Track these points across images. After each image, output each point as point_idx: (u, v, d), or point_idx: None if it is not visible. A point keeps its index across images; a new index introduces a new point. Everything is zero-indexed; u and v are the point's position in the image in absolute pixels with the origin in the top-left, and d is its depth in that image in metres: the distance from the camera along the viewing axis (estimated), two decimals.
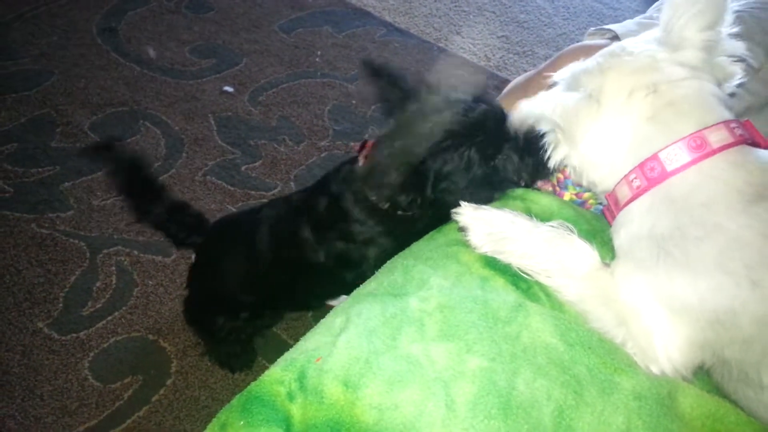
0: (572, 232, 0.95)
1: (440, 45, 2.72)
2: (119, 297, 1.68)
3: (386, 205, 1.10)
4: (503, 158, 1.07)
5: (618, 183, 0.92)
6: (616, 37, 1.44)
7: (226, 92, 2.32)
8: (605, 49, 1.00)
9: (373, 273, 1.08)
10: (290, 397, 0.82)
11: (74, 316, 1.63)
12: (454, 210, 1.01)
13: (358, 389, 0.79)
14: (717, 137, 0.84)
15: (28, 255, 1.74)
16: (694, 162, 0.84)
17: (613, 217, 0.96)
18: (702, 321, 0.82)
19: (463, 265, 0.95)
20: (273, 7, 2.77)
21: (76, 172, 1.96)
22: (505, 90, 1.72)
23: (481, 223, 0.97)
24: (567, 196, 1.16)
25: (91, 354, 1.57)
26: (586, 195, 1.13)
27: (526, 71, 1.70)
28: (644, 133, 0.89)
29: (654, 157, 0.86)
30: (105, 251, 1.77)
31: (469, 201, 1.02)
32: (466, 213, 0.99)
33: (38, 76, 2.27)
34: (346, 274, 1.25)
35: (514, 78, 1.80)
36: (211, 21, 2.64)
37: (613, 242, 0.96)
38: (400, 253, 1.03)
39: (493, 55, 2.72)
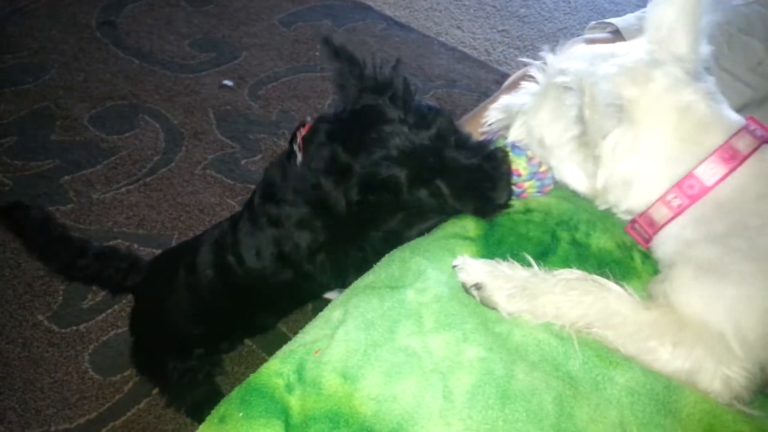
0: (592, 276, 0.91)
1: (441, 39, 2.72)
2: None
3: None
4: (436, 190, 1.00)
5: (653, 204, 0.91)
6: (617, 31, 1.44)
7: (226, 86, 2.31)
8: (624, 62, 0.95)
9: (311, 270, 1.07)
10: (289, 389, 0.82)
11: (74, 309, 1.64)
12: (455, 265, 0.92)
13: (357, 381, 0.79)
14: (744, 144, 0.88)
15: None
16: (730, 171, 0.87)
17: (646, 237, 0.95)
18: None
19: None
20: (273, 1, 2.76)
21: (75, 166, 1.96)
22: (505, 84, 1.72)
23: (500, 280, 0.89)
24: None
25: (91, 347, 1.57)
26: (527, 184, 1.07)
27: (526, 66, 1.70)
28: (677, 152, 0.90)
29: (690, 175, 0.88)
30: (105, 244, 1.77)
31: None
32: (474, 268, 0.91)
33: (38, 70, 2.26)
34: (285, 276, 1.18)
35: (515, 73, 1.79)
36: (210, 14, 2.63)
37: (657, 256, 0.95)
38: (398, 247, 1.03)
39: (494, 50, 2.71)
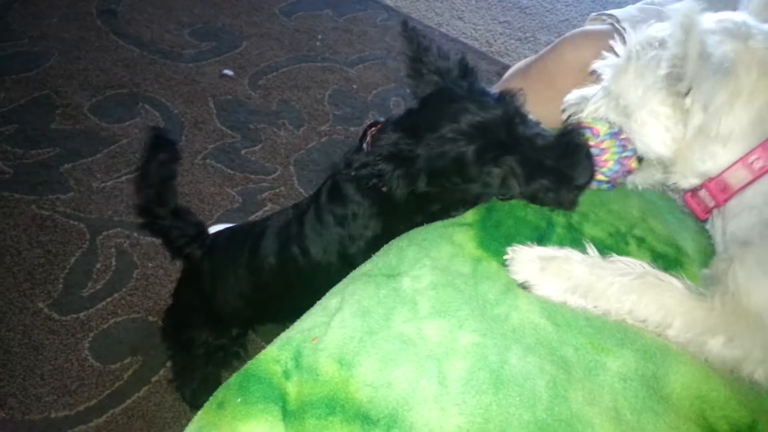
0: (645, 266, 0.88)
1: (442, 30, 2.71)
2: (119, 278, 1.69)
3: (373, 179, 0.97)
4: (502, 170, 0.94)
5: (731, 166, 0.87)
6: (617, 23, 1.43)
7: (226, 75, 2.31)
8: (724, 19, 0.92)
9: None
10: (286, 375, 0.83)
11: (74, 297, 1.64)
12: (505, 258, 0.90)
13: (353, 367, 0.80)
14: None
15: (29, 236, 1.75)
16: None
17: (710, 206, 0.90)
18: None
19: (456, 246, 0.95)
20: None
21: (76, 154, 1.96)
22: (505, 76, 1.72)
23: (551, 278, 0.87)
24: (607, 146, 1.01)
25: (91, 334, 1.58)
26: (607, 143, 0.99)
27: (527, 57, 1.70)
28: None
29: None
30: (105, 233, 1.78)
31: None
32: (523, 266, 0.88)
33: (38, 58, 2.26)
34: (346, 272, 1.14)
35: (516, 64, 1.79)
36: (210, 3, 2.63)
37: (715, 232, 0.91)
38: (396, 237, 1.03)
39: (495, 41, 2.70)
